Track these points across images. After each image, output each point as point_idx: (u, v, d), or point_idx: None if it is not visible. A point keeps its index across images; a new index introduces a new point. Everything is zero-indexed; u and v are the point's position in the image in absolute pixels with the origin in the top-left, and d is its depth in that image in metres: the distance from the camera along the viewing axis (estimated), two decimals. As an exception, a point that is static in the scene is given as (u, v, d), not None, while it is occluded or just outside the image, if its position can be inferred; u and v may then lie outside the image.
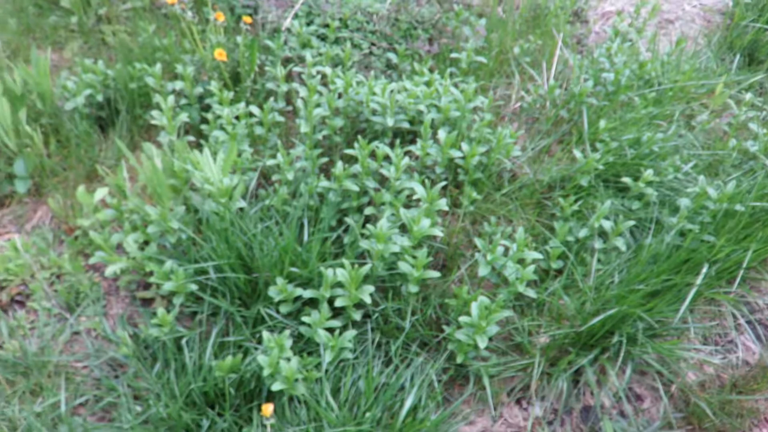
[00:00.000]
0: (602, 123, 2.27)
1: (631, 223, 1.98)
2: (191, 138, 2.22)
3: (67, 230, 2.14)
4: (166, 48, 2.49)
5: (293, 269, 1.79)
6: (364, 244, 1.79)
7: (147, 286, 2.00)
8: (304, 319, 1.71)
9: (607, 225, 2.00)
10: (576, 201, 2.13)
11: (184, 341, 1.75)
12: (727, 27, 3.22)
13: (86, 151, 2.28)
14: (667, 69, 2.66)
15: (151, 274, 1.87)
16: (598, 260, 2.02)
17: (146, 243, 1.93)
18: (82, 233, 2.09)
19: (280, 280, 1.74)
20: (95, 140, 2.34)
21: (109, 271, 1.83)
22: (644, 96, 2.43)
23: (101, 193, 2.03)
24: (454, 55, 2.52)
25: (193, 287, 1.79)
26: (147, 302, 1.98)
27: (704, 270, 1.83)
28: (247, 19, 2.31)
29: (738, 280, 1.91)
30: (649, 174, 2.09)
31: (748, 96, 2.52)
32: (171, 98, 2.13)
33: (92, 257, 1.85)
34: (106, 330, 1.89)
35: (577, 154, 2.19)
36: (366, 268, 1.69)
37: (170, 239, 1.86)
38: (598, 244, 2.03)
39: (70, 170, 2.25)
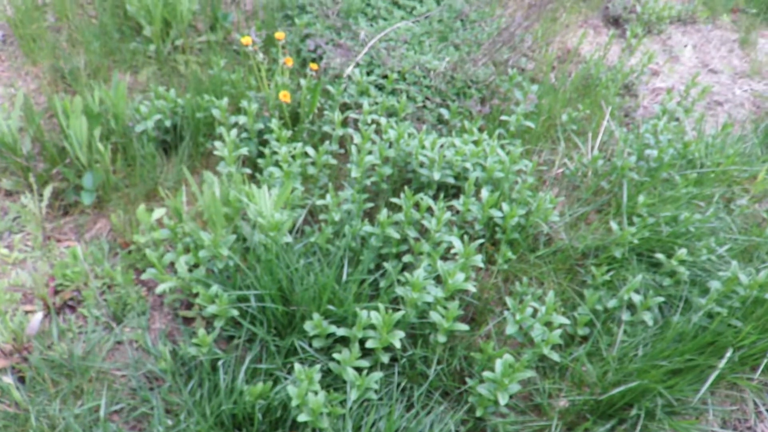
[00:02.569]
0: (641, 198, 2.33)
1: (661, 299, 2.03)
2: (247, 170, 2.36)
3: (122, 244, 2.28)
4: (234, 82, 2.66)
5: (330, 306, 1.88)
6: (399, 290, 1.88)
7: (190, 306, 2.12)
8: (335, 355, 1.79)
9: (637, 298, 2.05)
10: (608, 271, 2.18)
11: (219, 363, 1.85)
12: (775, 115, 3.27)
13: (149, 172, 2.43)
14: (711, 151, 2.72)
15: (196, 295, 1.98)
16: (624, 332, 2.06)
17: (195, 265, 2.05)
18: (136, 248, 2.23)
19: (316, 316, 1.84)
20: (158, 162, 2.49)
21: (160, 288, 1.95)
22: (685, 176, 2.49)
23: (159, 213, 2.17)
24: (503, 117, 2.63)
25: (234, 313, 1.89)
26: (188, 321, 2.09)
27: (728, 354, 1.86)
28: (314, 66, 2.47)
29: (761, 367, 1.93)
30: (682, 253, 2.14)
31: (790, 186, 2.56)
32: (234, 131, 2.28)
33: (144, 273, 1.98)
34: (147, 343, 2.00)
35: (614, 225, 2.25)
36: (399, 314, 1.78)
37: (218, 264, 1.98)
38: (625, 315, 2.08)
39: (132, 188, 2.41)
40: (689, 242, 2.30)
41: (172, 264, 2.17)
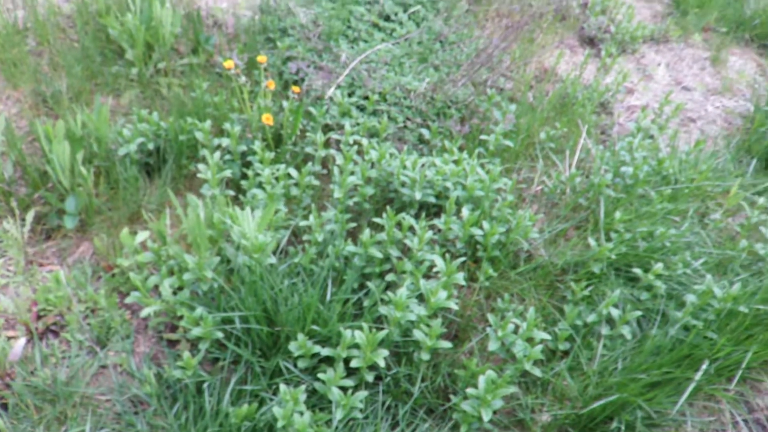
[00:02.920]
0: (618, 214, 2.39)
1: (638, 313, 2.07)
2: (230, 192, 2.38)
3: (106, 267, 2.28)
4: (216, 105, 2.68)
5: (314, 327, 1.90)
6: (383, 309, 1.90)
7: (174, 329, 2.12)
8: (320, 375, 1.81)
9: (615, 313, 2.10)
10: (587, 286, 2.23)
11: (205, 385, 1.86)
12: (746, 131, 3.37)
13: (132, 195, 2.44)
14: (685, 167, 2.79)
15: (181, 318, 1.99)
16: (604, 346, 2.10)
17: (180, 288, 2.06)
18: (119, 272, 2.23)
19: (300, 336, 1.85)
20: (141, 185, 2.51)
21: (144, 312, 1.96)
22: (660, 192, 2.56)
23: (143, 236, 2.18)
24: (483, 137, 2.68)
25: (219, 335, 1.90)
26: (173, 344, 2.10)
27: (704, 366, 1.91)
28: (296, 89, 2.50)
29: (737, 379, 1.98)
30: (659, 267, 2.19)
31: (762, 200, 2.63)
32: (216, 154, 2.30)
33: (128, 296, 1.99)
34: (132, 367, 2.00)
35: (592, 242, 2.30)
36: (383, 333, 1.80)
37: (203, 287, 1.99)
38: (605, 330, 2.12)
39: (115, 211, 2.41)
40: (665, 257, 2.36)
41: (156, 287, 2.18)
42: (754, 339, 2.03)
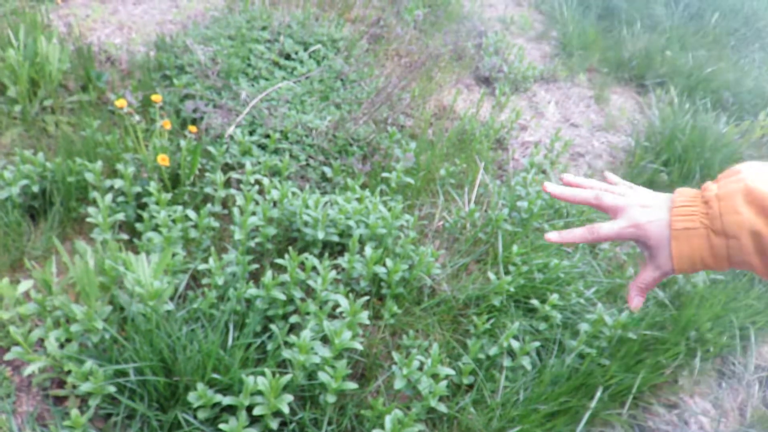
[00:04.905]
0: (515, 248, 2.48)
1: (537, 344, 2.14)
2: (124, 236, 2.27)
3: (-17, 320, 2.10)
4: (109, 144, 2.57)
5: (215, 375, 1.83)
6: (286, 353, 1.86)
7: (62, 384, 1.98)
8: (222, 426, 1.73)
9: (516, 345, 2.16)
10: (488, 320, 2.28)
11: (96, 444, 1.74)
12: (629, 164, 3.61)
13: (14, 241, 2.28)
14: (575, 200, 2.94)
15: (69, 372, 1.86)
16: (506, 378, 2.15)
17: (68, 340, 1.93)
18: (0, 325, 2.06)
19: (200, 386, 1.78)
20: (25, 230, 2.35)
21: (28, 370, 1.82)
22: (554, 225, 2.68)
23: (25, 286, 2.03)
24: (385, 174, 2.72)
25: (111, 389, 1.79)
26: (60, 400, 1.95)
27: (598, 393, 1.99)
28: (192, 129, 2.45)
29: (628, 403, 2.08)
30: (554, 298, 2.28)
31: (645, 230, 2.81)
32: (108, 197, 2.20)
33: (8, 352, 1.84)
34: (13, 429, 1.84)
35: (492, 275, 2.37)
36: (286, 378, 1.76)
37: (93, 338, 1.87)
38: (506, 362, 2.17)
39: (-6, 259, 2.24)
40: (560, 287, 2.46)
41: (41, 341, 2.03)
42: (644, 363, 2.14)
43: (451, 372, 1.98)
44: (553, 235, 0.97)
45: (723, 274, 2.72)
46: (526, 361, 2.16)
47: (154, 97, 2.45)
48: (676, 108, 3.96)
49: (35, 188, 2.37)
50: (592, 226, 0.94)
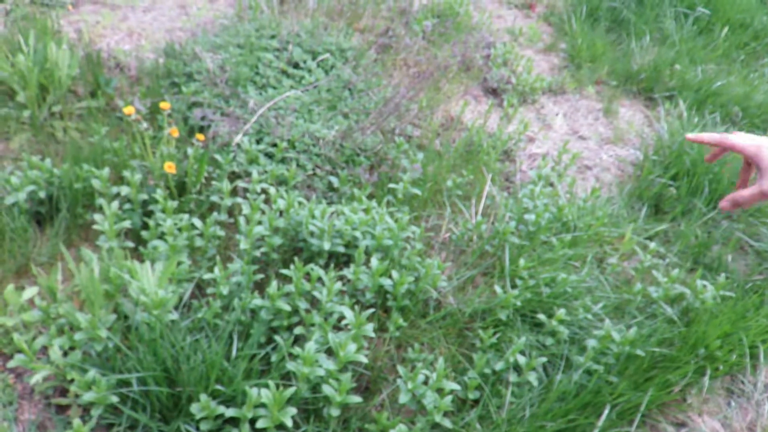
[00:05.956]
0: (522, 261, 2.46)
1: (543, 359, 2.12)
2: (130, 243, 2.26)
3: (-13, 327, 2.10)
4: (116, 151, 2.57)
5: (218, 386, 1.82)
6: (290, 365, 1.84)
7: (65, 393, 1.97)
8: (224, 438, 1.72)
9: (522, 360, 2.13)
10: (495, 334, 2.26)
11: (97, 454, 1.72)
12: (637, 178, 3.59)
13: (20, 247, 2.28)
14: (583, 214, 2.92)
15: (72, 381, 1.85)
16: (512, 393, 2.13)
17: (72, 348, 1.92)
18: (3, 332, 2.05)
19: (203, 397, 1.76)
20: (31, 236, 2.34)
21: (33, 379, 1.80)
22: (561, 238, 2.65)
23: (31, 292, 2.02)
24: (392, 185, 2.71)
25: (114, 399, 1.78)
26: (63, 409, 1.94)
27: (606, 411, 1.97)
28: (200, 137, 2.44)
29: (636, 422, 2.05)
30: (561, 313, 2.26)
31: (653, 244, 2.79)
32: (115, 204, 2.19)
33: (12, 360, 1.83)
34: (14, 436, 1.83)
35: (498, 289, 2.35)
36: (290, 391, 1.74)
37: (96, 347, 1.86)
38: (512, 377, 2.15)
39: (0, 265, 2.24)
40: (567, 302, 2.43)
41: (44, 348, 2.02)
42: (652, 381, 2.11)
43: (457, 387, 1.96)
44: (691, 135, 1.30)
45: (732, 290, 2.69)
46: (532, 377, 2.13)
47: (162, 105, 2.45)
48: (685, 122, 3.94)
49: (42, 194, 2.36)
50: (726, 135, 1.25)
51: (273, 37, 3.39)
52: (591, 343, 2.20)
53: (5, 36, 2.99)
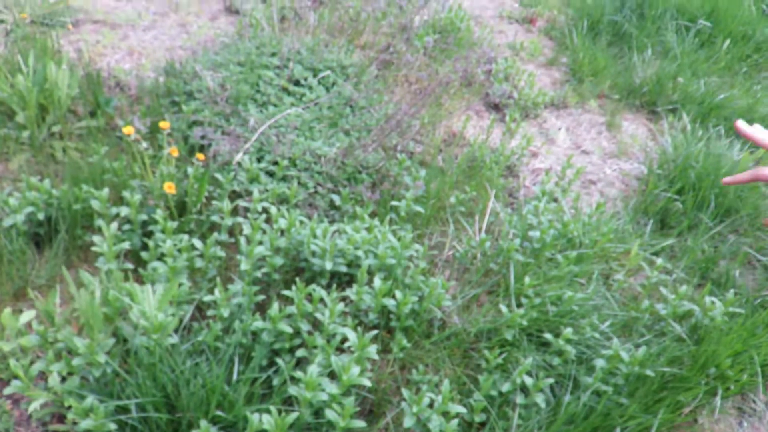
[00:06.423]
0: (527, 279, 2.42)
1: (551, 380, 2.07)
2: (129, 265, 2.23)
3: (-16, 351, 2.06)
4: (116, 171, 2.54)
5: (219, 412, 1.77)
6: (293, 390, 1.80)
7: (62, 419, 1.93)
8: (225, 466, 1.68)
9: (529, 381, 2.09)
10: (500, 354, 2.22)
11: (94, 484, 1.68)
12: (642, 192, 3.55)
13: (18, 270, 2.25)
14: (588, 229, 2.88)
15: (69, 407, 1.81)
16: (520, 416, 2.08)
17: (70, 373, 1.88)
18: (0, 357, 2.02)
19: (204, 423, 1.72)
20: (29, 258, 2.31)
21: (31, 407, 1.77)
22: (567, 255, 2.61)
23: (28, 316, 1.99)
24: (394, 203, 2.68)
25: (112, 426, 1.74)
26: (60, 436, 1.90)
27: (616, 435, 1.92)
28: (200, 156, 2.42)
29: (647, 445, 2.01)
30: (568, 332, 2.22)
31: (660, 260, 2.75)
32: (114, 225, 2.16)
33: (8, 386, 1.79)
34: (10, 465, 1.79)
35: (503, 308, 2.31)
36: (293, 417, 1.70)
37: (95, 372, 1.82)
38: (519, 399, 2.10)
39: (-3, 288, 2.21)
40: (574, 320, 2.39)
41: (42, 373, 1.98)
42: (662, 403, 2.07)
43: (463, 410, 1.91)
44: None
45: (741, 307, 2.65)
46: (540, 399, 2.09)
47: (162, 124, 2.43)
48: (689, 135, 3.91)
49: (41, 215, 2.34)
50: (758, 169, 1.24)
51: (274, 54, 3.38)
52: (599, 363, 2.16)
53: (5, 56, 2.98)
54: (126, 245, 2.17)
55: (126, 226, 2.38)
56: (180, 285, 2.11)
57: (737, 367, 2.28)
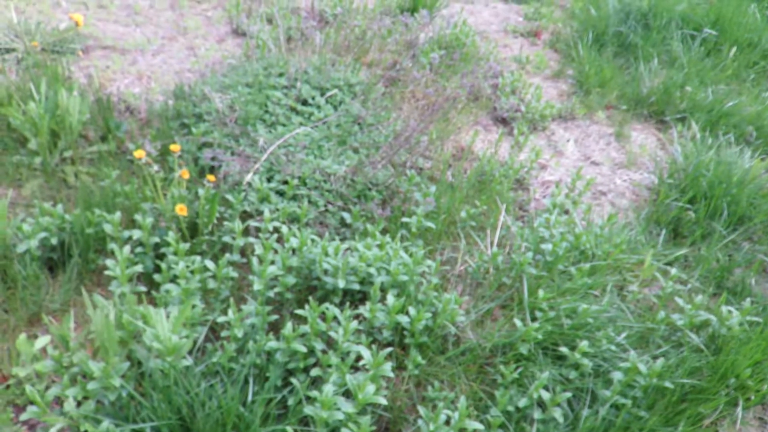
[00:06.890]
0: (541, 292, 2.40)
1: (568, 394, 2.05)
2: (143, 288, 2.24)
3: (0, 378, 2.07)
4: (127, 194, 2.56)
5: (235, 433, 1.77)
6: (308, 410, 1.79)
7: (78, 443, 1.92)
8: (242, 489, 1.67)
9: (546, 395, 2.07)
10: (516, 368, 2.20)
11: None
12: (653, 202, 3.53)
13: (32, 295, 2.26)
14: (600, 241, 2.87)
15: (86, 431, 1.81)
16: (537, 431, 2.05)
17: (85, 398, 1.88)
18: (16, 382, 2.02)
19: (220, 445, 1.71)
20: (43, 283, 2.32)
21: None
22: (580, 268, 2.60)
23: (43, 341, 2.00)
24: (405, 219, 2.67)
25: (129, 449, 1.73)
26: (76, 461, 1.89)
27: (637, 448, 1.89)
28: (211, 178, 2.43)
29: (669, 459, 1.98)
30: (584, 345, 2.20)
31: (674, 270, 2.72)
32: (127, 248, 2.17)
33: (24, 412, 1.79)
34: (27, 491, 1.79)
35: (518, 322, 2.29)
36: (309, 437, 1.69)
37: (110, 396, 1.82)
38: (537, 414, 2.08)
39: (12, 313, 2.22)
40: (590, 333, 2.37)
41: (57, 398, 1.98)
42: (682, 415, 2.04)
43: (480, 426, 1.89)
44: None
45: (758, 315, 2.61)
46: (557, 413, 2.06)
47: (172, 147, 2.44)
48: (699, 143, 3.89)
49: (54, 240, 2.35)
50: None
51: (281, 74, 3.41)
52: (617, 375, 2.14)
53: (17, 84, 3.02)
54: (139, 268, 2.18)
55: (138, 249, 2.39)
56: (193, 306, 2.11)
57: (757, 377, 2.25)
